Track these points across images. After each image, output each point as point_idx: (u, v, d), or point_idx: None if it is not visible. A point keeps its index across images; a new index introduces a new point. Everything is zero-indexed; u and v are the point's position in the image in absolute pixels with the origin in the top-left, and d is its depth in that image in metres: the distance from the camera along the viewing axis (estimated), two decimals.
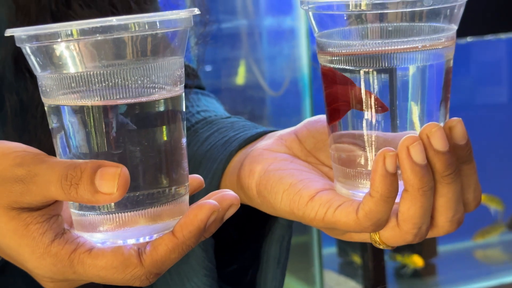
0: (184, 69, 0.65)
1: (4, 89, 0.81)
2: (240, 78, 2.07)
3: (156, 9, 0.91)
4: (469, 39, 1.91)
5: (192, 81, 0.90)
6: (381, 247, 0.65)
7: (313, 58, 1.88)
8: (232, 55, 2.04)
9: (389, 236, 0.63)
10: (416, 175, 0.60)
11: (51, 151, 0.68)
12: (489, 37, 1.96)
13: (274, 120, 2.13)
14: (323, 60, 0.64)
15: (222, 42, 1.98)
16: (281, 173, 0.68)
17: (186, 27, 0.61)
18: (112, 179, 0.58)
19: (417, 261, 2.20)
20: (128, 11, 0.85)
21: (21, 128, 0.81)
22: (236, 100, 2.09)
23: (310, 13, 0.64)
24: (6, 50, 0.81)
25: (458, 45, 0.72)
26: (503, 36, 1.98)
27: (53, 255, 0.61)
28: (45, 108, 0.64)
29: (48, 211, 0.62)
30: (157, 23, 0.59)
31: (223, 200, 0.62)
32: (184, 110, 0.65)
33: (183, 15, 0.60)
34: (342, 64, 0.63)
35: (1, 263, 0.74)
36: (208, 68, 1.98)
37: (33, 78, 0.76)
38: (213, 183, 0.76)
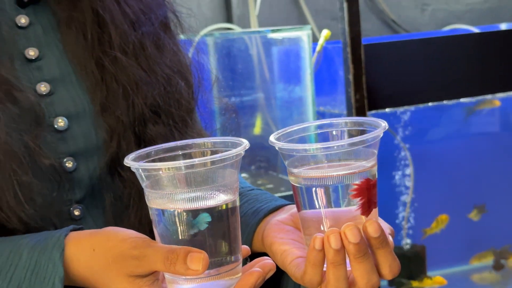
0: (242, 187, 0.79)
1: (103, 188, 0.91)
2: (257, 129, 2.09)
3: (198, 121, 1.00)
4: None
5: None
6: None
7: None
8: (252, 120, 2.06)
9: None
10: (331, 254, 0.73)
11: (139, 229, 0.83)
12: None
13: (285, 166, 2.11)
14: (291, 178, 0.78)
15: (244, 112, 2.01)
16: (282, 241, 0.82)
17: (241, 155, 0.75)
18: (198, 261, 0.71)
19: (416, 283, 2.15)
20: (185, 124, 0.95)
21: (116, 216, 0.91)
22: (256, 150, 2.07)
23: (280, 151, 0.78)
24: (104, 160, 0.90)
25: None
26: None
27: None
28: (148, 208, 0.76)
29: (153, 277, 0.75)
30: (224, 159, 0.73)
31: (264, 266, 0.76)
32: (238, 204, 0.77)
33: (241, 149, 0.74)
34: (303, 183, 0.77)
35: None
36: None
37: (121, 177, 0.90)
38: (247, 242, 0.88)
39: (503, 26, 2.55)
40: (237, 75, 2.04)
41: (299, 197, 0.79)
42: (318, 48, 2.06)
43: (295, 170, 0.77)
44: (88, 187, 0.90)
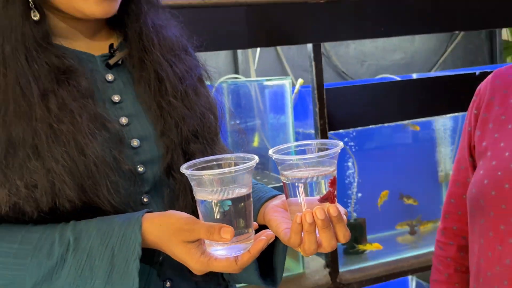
0: (252, 184, 0.75)
1: (162, 184, 0.89)
2: (256, 143, 2.06)
3: (223, 144, 0.96)
4: None
5: None
6: (302, 254, 0.78)
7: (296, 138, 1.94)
8: (252, 138, 2.00)
9: (301, 251, 0.78)
10: (306, 225, 0.75)
11: (185, 211, 0.82)
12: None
13: (276, 170, 1.94)
14: (282, 178, 0.79)
15: (247, 133, 1.98)
16: (275, 218, 0.82)
17: (254, 166, 0.76)
18: (227, 233, 0.73)
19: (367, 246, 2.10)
20: (213, 142, 0.91)
21: (170, 202, 0.89)
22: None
23: (275, 160, 0.78)
24: (163, 166, 0.88)
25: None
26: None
27: (201, 262, 0.76)
28: (195, 198, 0.77)
29: (198, 242, 0.77)
30: (243, 169, 0.74)
31: (268, 235, 0.78)
32: (251, 191, 0.76)
33: (253, 163, 0.75)
34: (290, 180, 0.78)
35: (162, 257, 0.86)
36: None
37: (174, 178, 0.87)
38: (253, 218, 0.83)
39: (415, 76, 2.55)
40: (242, 109, 2.02)
41: (287, 190, 0.79)
42: (295, 91, 2.04)
43: (284, 172, 0.79)
44: (152, 183, 0.89)
